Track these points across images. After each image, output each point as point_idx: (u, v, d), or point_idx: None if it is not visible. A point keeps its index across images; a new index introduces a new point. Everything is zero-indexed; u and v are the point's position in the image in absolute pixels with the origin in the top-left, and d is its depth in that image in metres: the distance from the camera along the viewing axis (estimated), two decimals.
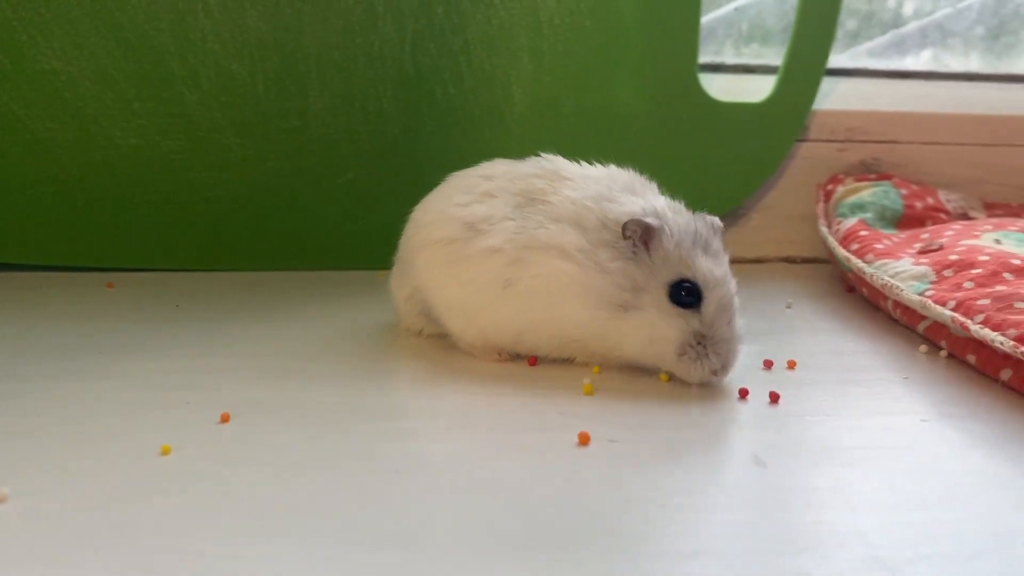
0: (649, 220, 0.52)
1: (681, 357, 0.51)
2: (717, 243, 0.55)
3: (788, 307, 0.73)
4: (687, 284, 0.52)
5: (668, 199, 0.58)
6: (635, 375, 0.54)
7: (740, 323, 0.53)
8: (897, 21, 0.99)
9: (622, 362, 0.54)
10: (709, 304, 0.52)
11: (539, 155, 0.63)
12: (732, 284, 0.53)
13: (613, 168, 0.61)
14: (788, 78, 0.84)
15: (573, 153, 0.82)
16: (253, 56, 0.78)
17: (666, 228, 0.53)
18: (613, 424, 0.46)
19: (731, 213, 0.88)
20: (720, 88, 0.86)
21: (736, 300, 0.53)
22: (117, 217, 0.78)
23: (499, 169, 0.61)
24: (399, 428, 0.46)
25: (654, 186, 0.60)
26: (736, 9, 0.95)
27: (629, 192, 0.57)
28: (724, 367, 0.52)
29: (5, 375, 0.51)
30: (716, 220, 0.57)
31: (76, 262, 0.78)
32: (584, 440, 0.44)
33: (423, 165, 0.82)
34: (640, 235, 0.52)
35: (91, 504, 0.37)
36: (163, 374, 0.52)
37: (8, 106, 0.75)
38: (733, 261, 0.87)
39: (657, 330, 0.51)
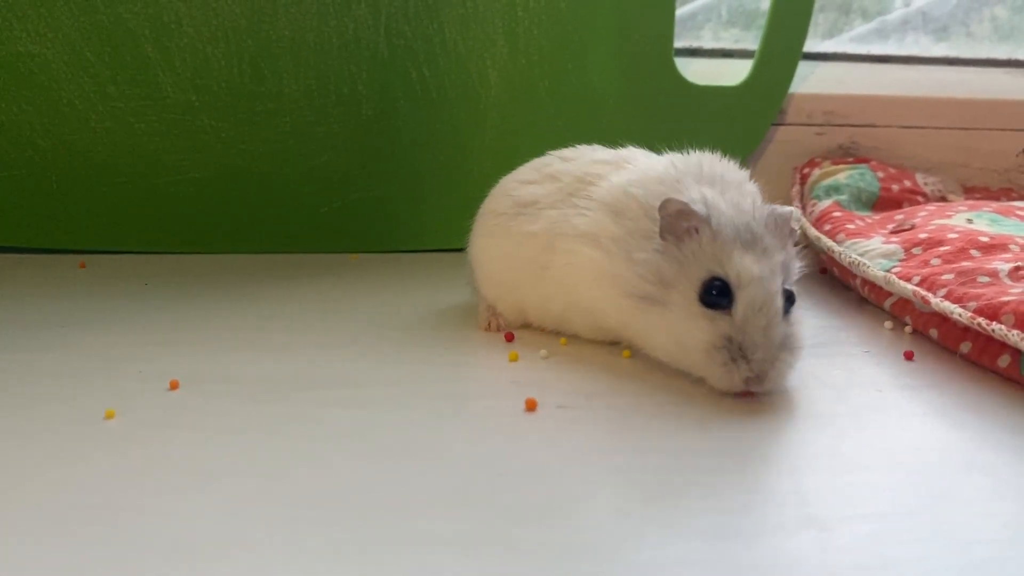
0: (683, 202, 0.47)
1: (709, 363, 0.46)
2: (772, 239, 0.48)
3: None
4: (718, 282, 0.46)
5: (755, 192, 0.52)
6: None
7: (787, 330, 0.47)
8: (883, 10, 0.99)
9: (656, 358, 0.50)
10: (740, 305, 0.45)
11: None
12: (775, 283, 0.46)
13: (698, 156, 0.55)
14: (764, 61, 0.84)
15: (547, 135, 0.83)
16: (228, 39, 0.78)
17: (710, 217, 0.47)
18: (562, 392, 0.46)
19: None
20: (698, 72, 0.86)
21: (780, 302, 0.46)
22: (91, 199, 0.78)
23: (581, 153, 0.61)
24: (348, 396, 0.46)
25: (744, 176, 0.53)
26: None
27: (699, 181, 0.51)
28: (760, 378, 0.45)
29: None
30: (783, 211, 0.50)
31: (50, 244, 0.78)
32: (531, 406, 0.44)
33: (397, 147, 0.82)
34: (671, 223, 0.47)
35: (30, 463, 0.37)
36: (121, 347, 0.52)
37: None
38: None
39: (682, 331, 0.46)
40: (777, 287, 0.46)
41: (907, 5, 0.99)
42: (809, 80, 0.89)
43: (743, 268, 0.46)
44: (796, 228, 0.51)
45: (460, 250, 0.82)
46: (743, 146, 0.86)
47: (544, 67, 0.82)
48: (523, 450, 0.40)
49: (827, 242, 0.70)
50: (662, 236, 0.48)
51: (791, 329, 0.47)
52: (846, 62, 0.94)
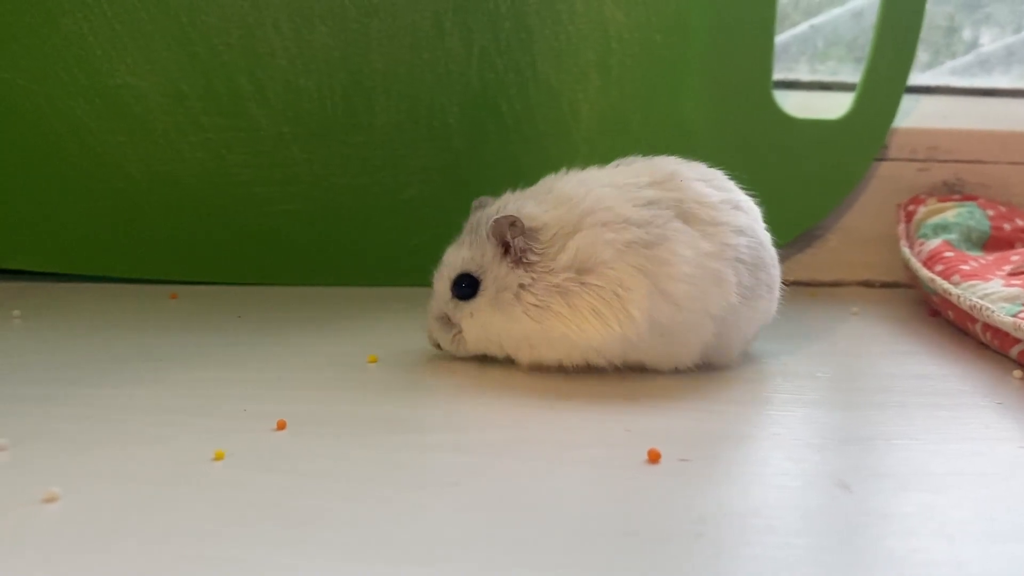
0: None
1: None
2: (474, 235, 0.55)
3: (854, 313, 0.72)
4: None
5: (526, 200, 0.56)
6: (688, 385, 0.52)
7: (447, 308, 0.55)
8: (976, 43, 0.95)
9: None
10: None
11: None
12: (446, 270, 0.55)
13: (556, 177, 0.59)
14: (867, 94, 0.81)
15: None
16: (321, 71, 0.78)
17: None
18: (683, 442, 0.44)
19: (807, 234, 0.85)
20: (795, 105, 0.83)
21: (444, 284, 0.55)
22: (182, 230, 0.78)
23: None
24: (454, 440, 0.44)
25: (548, 188, 0.57)
26: (811, 26, 0.92)
27: (526, 196, 0.57)
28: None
29: (60, 380, 0.51)
30: (492, 213, 0.55)
31: (141, 274, 0.78)
32: (655, 458, 0.41)
33: (487, 181, 0.80)
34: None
35: (136, 505, 0.36)
36: (220, 384, 0.51)
37: (80, 119, 0.76)
38: (808, 284, 0.86)
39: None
40: (447, 274, 0.55)
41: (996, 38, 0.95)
42: (912, 114, 0.86)
43: None
44: (499, 229, 0.53)
45: None
46: (844, 181, 0.83)
47: (637, 100, 0.80)
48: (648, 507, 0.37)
49: (943, 284, 0.67)
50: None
51: (453, 311, 0.55)
52: (950, 95, 0.91)
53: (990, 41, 0.96)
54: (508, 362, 0.56)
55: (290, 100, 0.78)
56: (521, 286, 0.52)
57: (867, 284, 0.86)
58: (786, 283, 0.85)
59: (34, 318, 0.65)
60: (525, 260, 0.53)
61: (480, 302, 0.54)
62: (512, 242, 0.53)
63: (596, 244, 0.51)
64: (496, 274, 0.53)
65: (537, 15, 0.78)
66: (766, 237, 0.57)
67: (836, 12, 0.93)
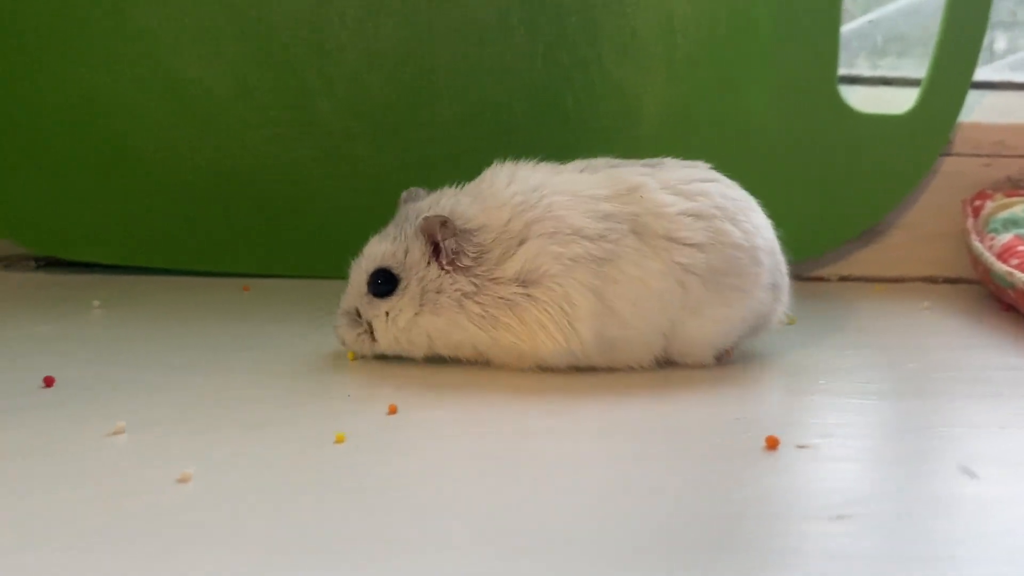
0: None
1: None
2: (399, 228, 0.54)
3: (926, 308, 0.72)
4: None
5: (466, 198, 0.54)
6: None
7: (360, 304, 0.53)
8: None
9: None
10: None
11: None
12: (364, 263, 0.53)
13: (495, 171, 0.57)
14: (932, 89, 0.81)
15: (706, 162, 0.80)
16: (387, 66, 0.78)
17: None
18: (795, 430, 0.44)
19: (869, 230, 0.84)
20: (858, 100, 0.83)
21: (360, 277, 0.53)
22: (252, 224, 0.79)
23: None
24: (556, 426, 0.44)
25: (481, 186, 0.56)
26: (871, 22, 0.92)
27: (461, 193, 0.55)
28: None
29: (160, 366, 0.52)
30: (423, 208, 0.54)
31: (212, 268, 0.79)
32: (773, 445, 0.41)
33: None
34: None
35: (263, 487, 0.36)
36: (313, 372, 0.51)
37: (149, 114, 0.77)
38: (871, 279, 0.86)
39: None
40: (365, 267, 0.53)
41: None
42: (976, 109, 0.85)
43: None
44: (428, 228, 0.51)
45: None
46: (909, 177, 0.83)
47: (702, 94, 0.80)
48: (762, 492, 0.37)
49: (1021, 277, 0.66)
50: None
51: (366, 307, 0.53)
52: (1016, 91, 0.90)
53: None
54: None
55: (356, 95, 0.78)
56: (464, 294, 0.50)
57: (930, 280, 0.85)
58: (848, 278, 0.86)
59: (114, 308, 0.66)
60: (459, 264, 0.51)
61: (399, 302, 0.52)
62: (443, 243, 0.51)
63: (542, 256, 0.50)
64: (423, 274, 0.51)
65: (603, 9, 0.78)
66: (746, 239, 0.54)
67: (892, 7, 0.93)
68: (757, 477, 0.39)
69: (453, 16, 0.78)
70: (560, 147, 0.79)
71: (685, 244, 0.51)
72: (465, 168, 0.79)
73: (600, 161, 0.57)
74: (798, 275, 0.84)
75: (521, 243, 0.50)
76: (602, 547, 0.32)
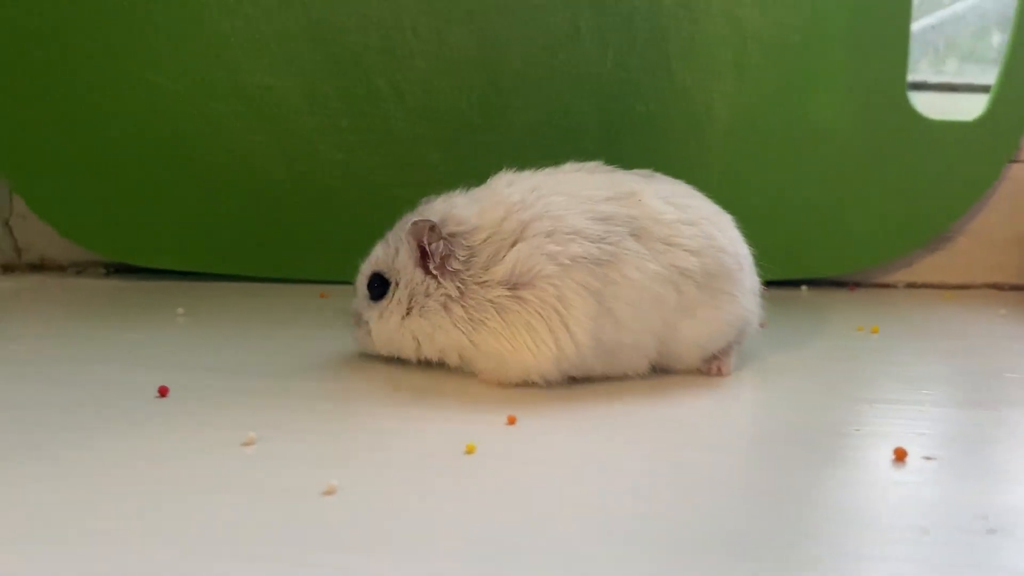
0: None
1: None
2: (394, 236, 0.55)
3: (1002, 316, 0.72)
4: None
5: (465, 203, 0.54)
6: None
7: (358, 307, 0.55)
8: None
9: None
10: None
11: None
12: (365, 268, 0.54)
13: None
14: (1002, 96, 0.81)
15: (774, 170, 0.80)
16: (457, 73, 0.78)
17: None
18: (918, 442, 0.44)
19: (937, 237, 0.84)
20: (924, 107, 0.82)
21: (361, 282, 0.55)
22: (325, 230, 0.79)
23: None
24: (692, 434, 0.44)
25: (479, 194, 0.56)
26: (932, 27, 0.92)
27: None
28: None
29: (272, 374, 0.52)
30: (412, 219, 0.54)
31: (287, 274, 0.79)
32: (901, 456, 0.41)
33: None
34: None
35: (403, 496, 0.36)
36: (425, 379, 0.51)
37: (222, 120, 0.77)
38: (936, 286, 0.86)
39: None
40: (364, 271, 0.54)
41: None
42: None
43: None
44: (416, 233, 0.52)
45: None
46: (977, 183, 0.83)
47: (772, 100, 0.80)
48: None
49: None
50: None
51: (365, 309, 0.54)
52: None
53: None
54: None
55: (427, 101, 0.78)
56: (450, 297, 0.50)
57: (996, 287, 0.85)
58: (914, 285, 0.85)
59: (198, 315, 0.66)
60: (448, 268, 0.50)
61: (389, 305, 0.52)
62: (429, 248, 0.51)
63: (535, 256, 0.49)
64: (410, 278, 0.52)
65: (672, 15, 0.78)
66: (732, 245, 0.55)
67: (946, 12, 0.93)
68: (891, 487, 0.38)
69: (523, 23, 0.78)
70: (630, 152, 0.80)
71: (682, 249, 0.51)
72: None
73: (592, 165, 0.58)
74: (864, 282, 0.85)
75: (514, 244, 0.50)
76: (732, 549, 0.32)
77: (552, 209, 0.50)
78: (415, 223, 0.51)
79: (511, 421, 0.44)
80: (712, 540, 0.33)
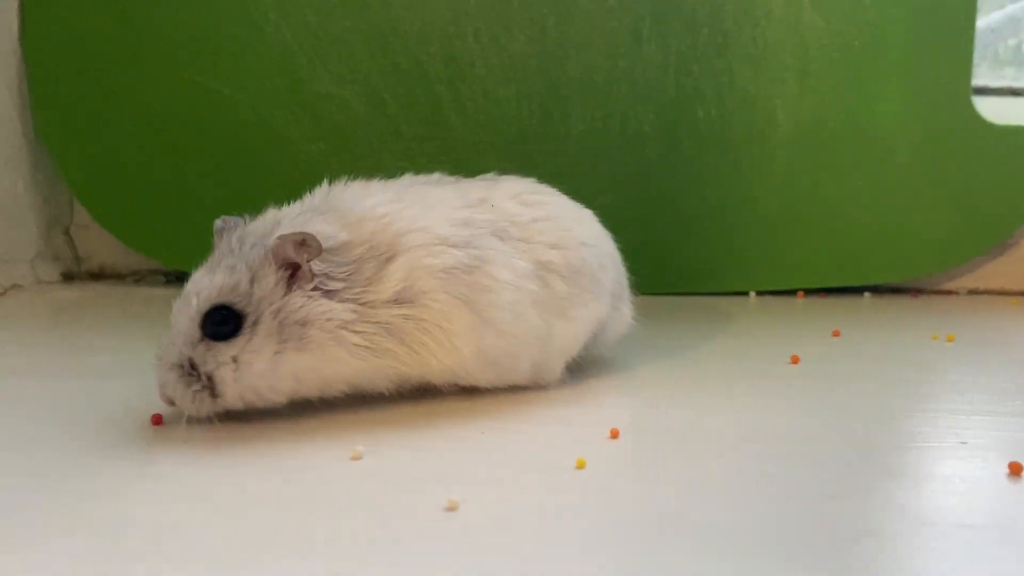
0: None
1: None
2: (235, 257, 0.45)
3: None
4: None
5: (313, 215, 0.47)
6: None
7: (191, 352, 0.43)
8: None
9: None
10: None
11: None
12: (186, 299, 0.44)
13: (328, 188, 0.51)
14: None
15: (837, 175, 0.80)
16: (518, 80, 0.78)
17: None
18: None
19: (1001, 243, 0.83)
20: (987, 111, 0.82)
21: (182, 321, 0.43)
22: None
23: None
24: (793, 450, 0.43)
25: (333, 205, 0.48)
26: (993, 31, 0.91)
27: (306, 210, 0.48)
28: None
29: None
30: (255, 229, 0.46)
31: None
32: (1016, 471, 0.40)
33: (680, 189, 0.80)
34: None
35: (521, 513, 0.36)
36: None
37: (284, 127, 0.77)
38: (1001, 292, 0.85)
39: None
40: (196, 306, 0.43)
41: None
42: None
43: None
44: (283, 250, 0.43)
45: (744, 293, 0.80)
46: None
47: (835, 106, 0.79)
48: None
49: None
50: None
51: (203, 356, 0.43)
52: None
53: None
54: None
55: (487, 109, 0.78)
56: (342, 323, 0.44)
57: None
58: (976, 291, 0.84)
59: None
60: (327, 288, 0.44)
61: (250, 343, 0.43)
62: (305, 265, 0.43)
63: (417, 271, 0.45)
64: (279, 306, 0.43)
65: (734, 21, 0.78)
66: (594, 240, 0.53)
67: (1000, 14, 0.92)
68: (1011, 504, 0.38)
69: (584, 29, 0.77)
70: (691, 159, 0.80)
71: (543, 244, 0.50)
72: (596, 180, 0.79)
73: (434, 176, 0.54)
74: (925, 288, 0.84)
75: (390, 259, 0.45)
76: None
77: (419, 220, 0.47)
78: (282, 237, 0.43)
79: (614, 435, 0.44)
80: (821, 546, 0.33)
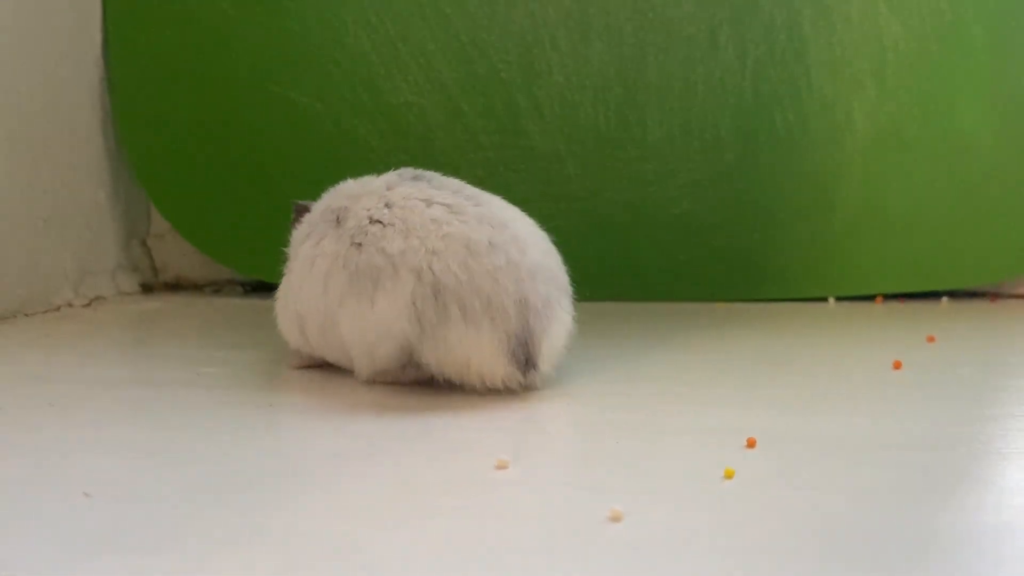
0: None
1: None
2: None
3: None
4: None
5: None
6: None
7: None
8: None
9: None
10: None
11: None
12: None
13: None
14: None
15: (916, 181, 0.79)
16: (596, 87, 0.78)
17: None
18: None
19: None
20: None
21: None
22: None
23: None
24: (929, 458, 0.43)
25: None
26: None
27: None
28: None
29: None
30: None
31: None
32: None
33: (758, 194, 0.80)
34: None
35: (683, 525, 0.35)
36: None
37: (365, 137, 0.77)
38: None
39: None
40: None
41: None
42: None
43: None
44: None
45: (823, 299, 0.80)
46: None
47: (913, 111, 0.79)
48: None
49: None
50: None
51: None
52: None
53: None
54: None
55: (565, 116, 0.78)
56: None
57: None
58: None
59: None
60: None
61: None
62: None
63: None
64: None
65: (812, 25, 0.78)
66: (403, 256, 0.50)
67: None
68: None
69: (661, 35, 0.77)
70: (769, 163, 0.79)
71: (352, 241, 0.52)
72: (674, 186, 0.79)
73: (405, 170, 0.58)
74: (1001, 293, 0.83)
75: None
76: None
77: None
78: None
79: (751, 444, 0.44)
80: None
